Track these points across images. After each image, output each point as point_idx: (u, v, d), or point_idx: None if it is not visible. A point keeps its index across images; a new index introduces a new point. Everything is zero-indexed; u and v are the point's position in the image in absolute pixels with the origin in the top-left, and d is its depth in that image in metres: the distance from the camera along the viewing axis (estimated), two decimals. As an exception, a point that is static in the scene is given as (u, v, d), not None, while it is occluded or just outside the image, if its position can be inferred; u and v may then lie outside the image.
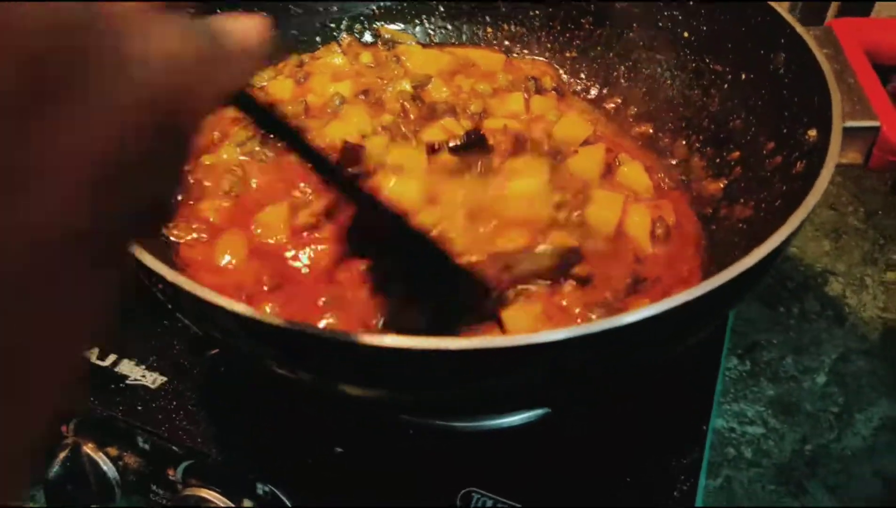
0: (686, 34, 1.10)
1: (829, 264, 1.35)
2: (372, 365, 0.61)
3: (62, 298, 0.29)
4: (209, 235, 0.95)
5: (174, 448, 0.89)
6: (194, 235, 0.94)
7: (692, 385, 0.96)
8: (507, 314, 0.80)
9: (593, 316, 0.81)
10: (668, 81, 1.15)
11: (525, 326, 0.78)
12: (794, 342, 1.24)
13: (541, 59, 1.27)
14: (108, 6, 0.28)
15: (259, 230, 0.95)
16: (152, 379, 0.96)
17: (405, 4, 1.29)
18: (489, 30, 1.30)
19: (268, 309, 0.85)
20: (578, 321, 0.82)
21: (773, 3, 0.95)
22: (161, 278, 0.63)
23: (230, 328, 0.64)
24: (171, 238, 0.94)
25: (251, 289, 0.87)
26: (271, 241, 0.94)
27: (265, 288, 0.87)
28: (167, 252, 0.92)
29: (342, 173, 0.80)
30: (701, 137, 1.08)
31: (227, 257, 0.92)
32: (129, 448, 0.92)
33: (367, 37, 1.30)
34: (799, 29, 0.90)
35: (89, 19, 0.27)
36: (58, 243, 0.27)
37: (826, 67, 0.83)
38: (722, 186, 1.00)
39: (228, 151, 1.03)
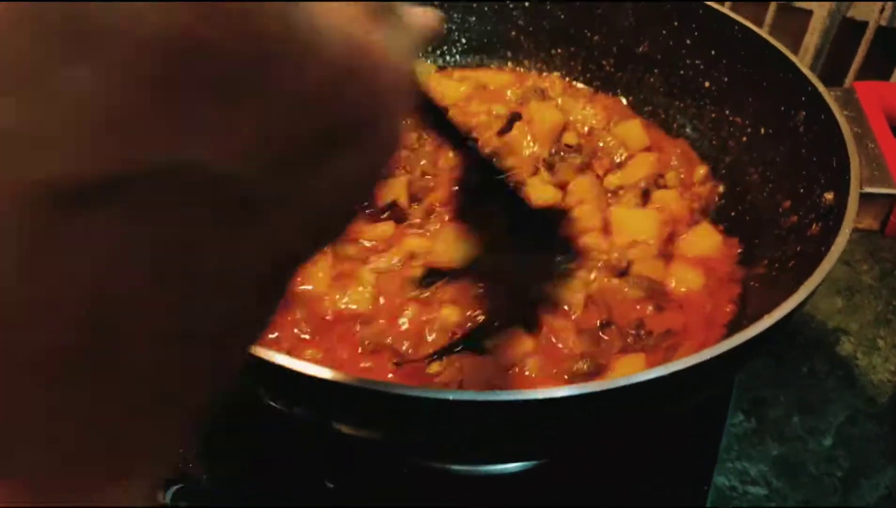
0: (707, 84, 1.10)
1: (840, 323, 1.33)
2: (374, 412, 0.61)
3: None
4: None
5: (164, 471, 0.88)
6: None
7: (696, 440, 0.94)
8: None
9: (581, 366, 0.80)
10: (687, 130, 1.14)
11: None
12: (801, 400, 1.21)
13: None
14: None
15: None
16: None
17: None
18: (510, 64, 1.31)
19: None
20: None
21: (795, 60, 0.94)
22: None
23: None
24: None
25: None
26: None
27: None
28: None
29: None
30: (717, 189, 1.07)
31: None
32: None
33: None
34: (821, 88, 0.89)
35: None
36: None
37: (846, 129, 0.82)
38: (736, 241, 0.98)
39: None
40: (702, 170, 1.05)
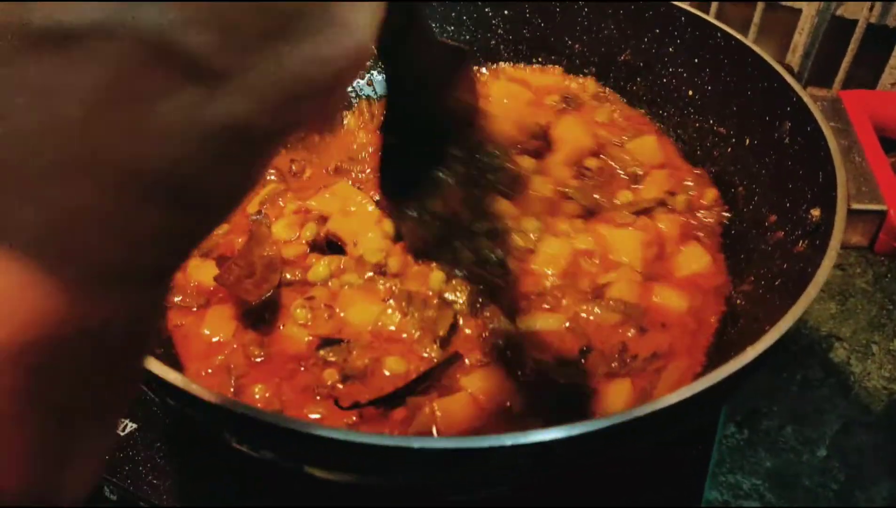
0: (691, 92, 1.07)
1: (834, 328, 1.30)
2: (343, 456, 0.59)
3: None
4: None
5: (140, 503, 0.85)
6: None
7: (686, 453, 0.92)
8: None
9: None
10: (671, 139, 1.11)
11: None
12: (794, 410, 1.19)
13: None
14: None
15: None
16: (122, 426, 0.92)
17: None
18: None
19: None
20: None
21: (779, 69, 0.92)
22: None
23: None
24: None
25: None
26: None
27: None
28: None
29: None
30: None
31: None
32: (93, 499, 0.89)
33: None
34: (806, 98, 0.86)
35: None
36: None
37: (833, 143, 0.79)
38: (723, 257, 0.96)
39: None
40: (712, 194, 1.02)
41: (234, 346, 0.87)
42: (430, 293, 0.87)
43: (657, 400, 0.56)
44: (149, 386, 0.67)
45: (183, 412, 0.68)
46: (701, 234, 0.96)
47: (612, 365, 0.82)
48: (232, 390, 0.82)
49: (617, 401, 0.79)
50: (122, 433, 0.91)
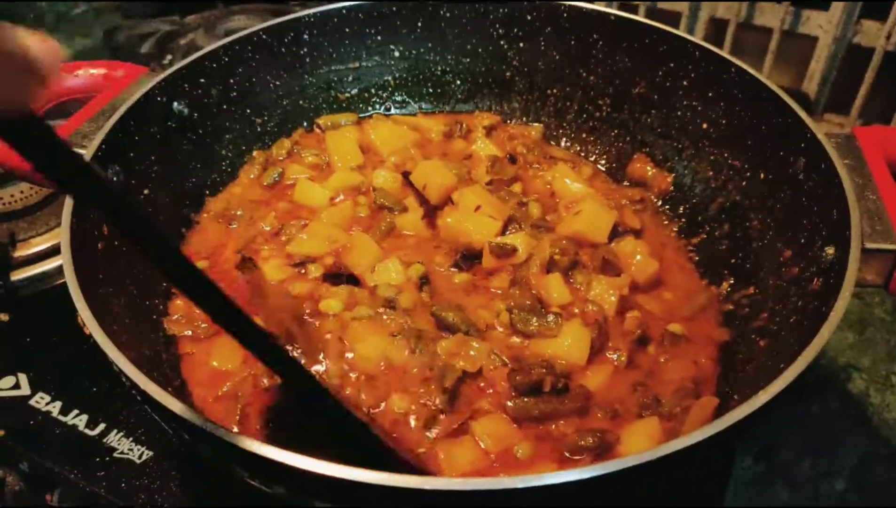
0: (705, 126, 1.08)
1: (852, 358, 1.29)
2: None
3: None
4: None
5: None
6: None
7: (701, 489, 0.91)
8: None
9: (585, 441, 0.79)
10: (684, 171, 1.12)
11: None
12: (812, 442, 1.18)
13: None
14: None
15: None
16: (139, 453, 0.94)
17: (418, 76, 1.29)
18: (496, 106, 1.30)
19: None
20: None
21: (793, 105, 0.92)
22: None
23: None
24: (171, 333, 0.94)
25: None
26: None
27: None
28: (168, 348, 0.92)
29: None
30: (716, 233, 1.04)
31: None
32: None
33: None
34: (820, 135, 0.86)
35: None
36: None
37: (847, 181, 0.79)
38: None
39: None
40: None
41: (244, 375, 0.88)
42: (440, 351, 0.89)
43: (658, 448, 0.57)
44: (163, 419, 0.69)
45: (195, 447, 0.70)
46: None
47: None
48: (237, 416, 0.83)
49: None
50: (138, 461, 0.93)
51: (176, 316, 0.96)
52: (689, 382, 0.88)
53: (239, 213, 1.09)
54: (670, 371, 0.90)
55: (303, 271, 1.00)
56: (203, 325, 0.94)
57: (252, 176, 1.16)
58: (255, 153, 1.19)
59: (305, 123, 1.25)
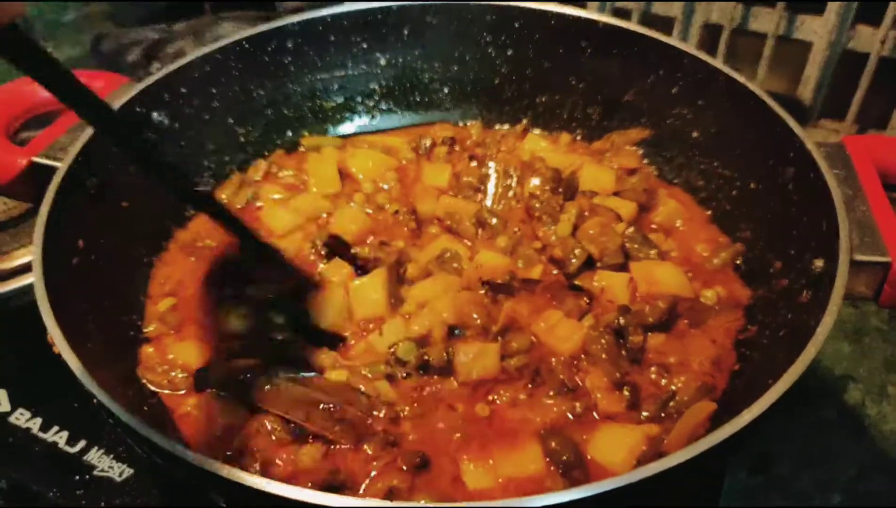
0: (695, 134, 1.06)
1: (848, 368, 1.27)
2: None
3: None
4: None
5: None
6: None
7: (695, 501, 0.89)
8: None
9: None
10: (674, 181, 1.10)
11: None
12: (808, 454, 1.16)
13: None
14: None
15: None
16: (119, 471, 0.93)
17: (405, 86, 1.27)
18: (484, 113, 1.29)
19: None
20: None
21: (782, 114, 0.90)
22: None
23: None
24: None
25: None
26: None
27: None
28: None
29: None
30: (708, 243, 1.03)
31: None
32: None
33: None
34: (809, 145, 0.85)
35: None
36: None
37: (836, 192, 0.78)
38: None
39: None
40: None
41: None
42: None
43: (649, 465, 0.55)
44: (133, 441, 0.67)
45: (172, 473, 0.68)
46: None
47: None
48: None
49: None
50: (118, 479, 0.92)
51: (150, 363, 0.90)
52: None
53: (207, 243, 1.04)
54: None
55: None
56: (182, 375, 0.88)
57: (224, 197, 1.12)
58: (233, 176, 1.16)
59: (290, 133, 1.23)
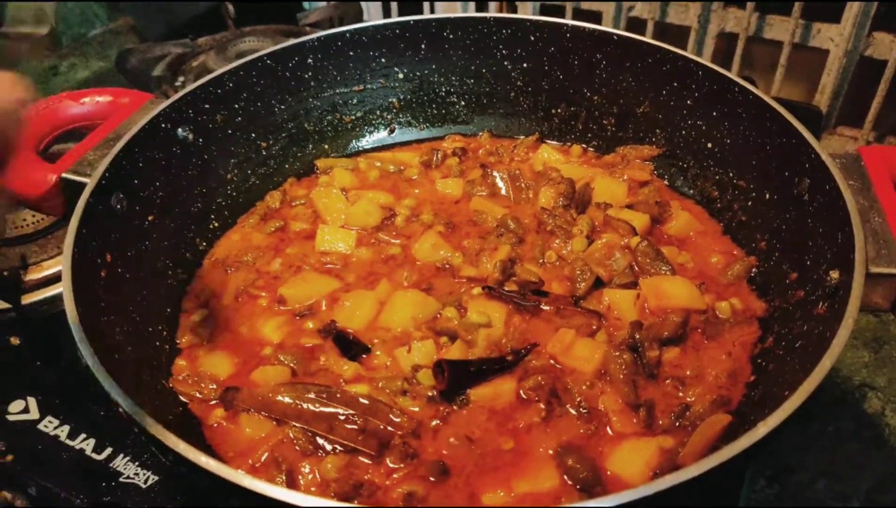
0: (710, 145, 1.07)
1: (867, 377, 1.26)
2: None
3: None
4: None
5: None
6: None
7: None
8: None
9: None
10: (690, 191, 1.11)
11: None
12: (827, 464, 1.15)
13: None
14: None
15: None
16: (145, 478, 0.94)
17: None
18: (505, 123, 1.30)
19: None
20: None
21: (797, 125, 0.91)
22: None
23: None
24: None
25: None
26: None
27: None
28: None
29: None
30: (723, 254, 1.03)
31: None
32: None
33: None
34: (824, 156, 0.85)
35: None
36: None
37: (851, 204, 0.78)
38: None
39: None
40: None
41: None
42: None
43: (666, 477, 0.56)
44: (158, 451, 0.69)
45: (196, 482, 0.70)
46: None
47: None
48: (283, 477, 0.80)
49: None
50: (143, 486, 0.93)
51: (182, 376, 0.92)
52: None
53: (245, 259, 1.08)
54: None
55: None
56: (212, 386, 0.90)
57: (251, 225, 1.14)
58: (257, 204, 1.17)
59: (310, 146, 1.25)
